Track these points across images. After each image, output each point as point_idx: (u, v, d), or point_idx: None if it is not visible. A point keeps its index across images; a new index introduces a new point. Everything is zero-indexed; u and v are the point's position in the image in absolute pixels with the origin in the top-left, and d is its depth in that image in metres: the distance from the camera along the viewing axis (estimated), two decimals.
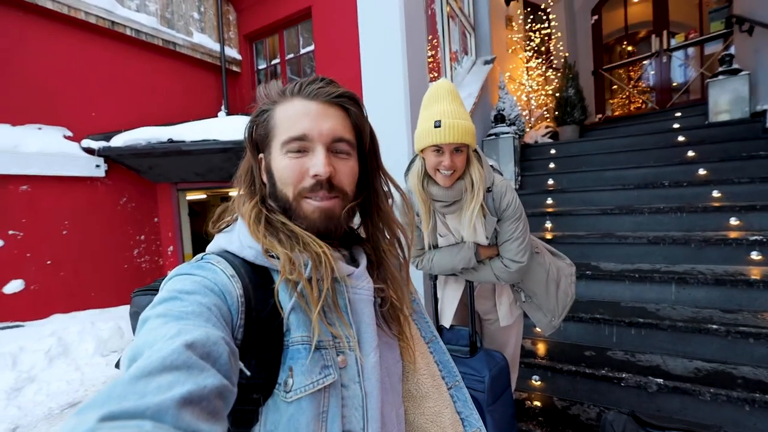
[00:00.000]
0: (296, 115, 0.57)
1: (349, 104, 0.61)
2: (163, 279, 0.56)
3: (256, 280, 0.54)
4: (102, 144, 4.32)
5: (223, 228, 0.63)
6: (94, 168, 4.38)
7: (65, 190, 4.23)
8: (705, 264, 2.46)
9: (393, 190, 0.69)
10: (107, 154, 4.36)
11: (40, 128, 4.11)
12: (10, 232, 3.86)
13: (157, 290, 0.51)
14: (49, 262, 4.10)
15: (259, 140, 0.62)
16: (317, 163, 0.56)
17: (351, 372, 0.56)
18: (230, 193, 0.67)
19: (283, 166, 0.58)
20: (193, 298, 0.47)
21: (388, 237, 0.67)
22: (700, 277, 2.25)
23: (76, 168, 4.25)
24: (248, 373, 0.49)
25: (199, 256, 0.57)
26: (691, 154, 3.48)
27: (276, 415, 0.50)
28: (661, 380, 1.82)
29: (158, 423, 0.31)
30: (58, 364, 3.53)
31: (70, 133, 4.30)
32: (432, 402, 0.69)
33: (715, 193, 2.90)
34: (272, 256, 0.55)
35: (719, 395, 1.69)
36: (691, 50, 5.89)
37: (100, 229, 4.50)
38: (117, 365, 0.60)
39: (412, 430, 0.69)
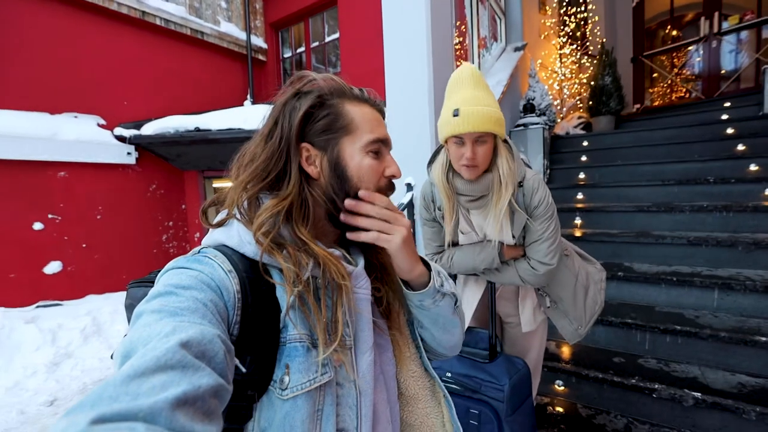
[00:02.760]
0: (375, 120, 0.62)
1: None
2: (158, 271, 0.55)
3: (254, 275, 0.53)
4: (133, 132, 4.46)
5: (222, 223, 0.59)
6: (125, 155, 4.54)
7: (99, 177, 4.41)
8: (753, 269, 2.26)
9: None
10: (138, 142, 4.50)
11: (76, 117, 4.28)
12: (50, 216, 4.07)
13: (153, 282, 0.50)
14: (84, 245, 4.31)
15: (314, 130, 0.59)
16: (393, 166, 0.63)
17: (346, 371, 0.56)
18: None
19: (367, 164, 0.60)
20: (189, 293, 0.46)
21: None
22: (748, 284, 2.06)
23: (109, 155, 4.41)
24: (244, 370, 0.49)
25: (195, 249, 0.56)
26: (741, 147, 3.20)
27: (270, 412, 0.50)
28: (699, 394, 1.69)
29: (151, 425, 0.30)
30: (93, 342, 3.72)
31: (103, 122, 4.46)
32: (422, 404, 0.70)
33: None
34: (274, 257, 0.54)
35: (766, 416, 1.55)
36: (744, 34, 5.40)
37: (131, 215, 4.68)
38: (113, 356, 0.59)
39: (404, 428, 0.70)
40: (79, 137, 4.19)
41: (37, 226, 4.00)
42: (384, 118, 0.66)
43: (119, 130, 4.46)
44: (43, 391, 3.09)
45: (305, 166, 0.59)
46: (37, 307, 3.95)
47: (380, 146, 0.62)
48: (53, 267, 4.11)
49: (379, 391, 0.61)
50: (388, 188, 0.63)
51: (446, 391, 0.74)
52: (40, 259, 4.05)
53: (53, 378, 3.25)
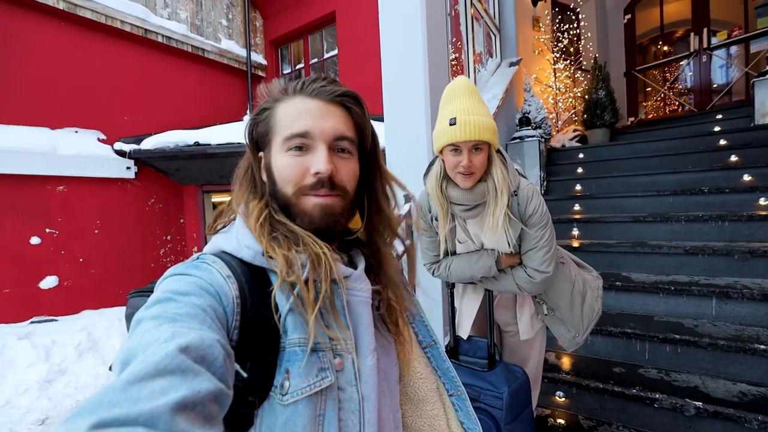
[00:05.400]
0: (298, 113, 0.57)
1: (351, 103, 0.60)
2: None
3: (253, 280, 0.53)
4: (133, 147, 4.50)
5: (220, 229, 0.62)
6: (125, 170, 4.57)
7: (98, 191, 4.42)
8: (750, 278, 2.26)
9: (398, 191, 0.68)
10: (137, 157, 4.53)
11: (76, 132, 4.32)
12: (47, 230, 4.06)
13: (153, 291, 0.50)
14: (81, 260, 4.29)
15: (259, 138, 0.62)
16: (318, 161, 0.56)
17: (348, 375, 0.55)
18: None
19: (284, 164, 0.57)
20: (187, 299, 0.45)
21: (387, 239, 0.66)
22: (745, 292, 2.06)
23: (109, 170, 4.44)
24: (244, 374, 0.48)
25: (194, 255, 0.56)
26: (734, 158, 3.24)
27: (271, 418, 0.49)
28: (700, 403, 1.67)
29: (151, 430, 0.30)
30: (87, 358, 3.66)
31: (103, 137, 4.50)
32: (430, 406, 0.69)
33: (762, 201, 2.68)
34: (271, 257, 0.54)
35: None
36: (734, 49, 5.53)
37: (129, 229, 4.68)
38: (111, 368, 0.59)
39: None
40: (79, 152, 4.22)
41: (34, 240, 3.99)
42: (337, 106, 0.59)
43: (119, 145, 4.50)
44: (35, 409, 3.02)
45: (261, 173, 0.62)
46: (31, 322, 3.90)
47: (302, 141, 0.56)
48: (49, 282, 4.08)
49: (382, 395, 0.60)
50: (316, 186, 0.56)
51: (460, 387, 0.73)
52: (36, 274, 4.02)
53: (46, 396, 3.18)
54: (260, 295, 0.52)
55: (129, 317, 0.68)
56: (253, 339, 0.50)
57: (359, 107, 0.61)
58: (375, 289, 0.62)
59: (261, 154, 0.62)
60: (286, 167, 0.57)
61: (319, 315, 0.53)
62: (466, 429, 0.72)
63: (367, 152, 0.65)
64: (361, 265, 0.62)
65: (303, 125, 0.56)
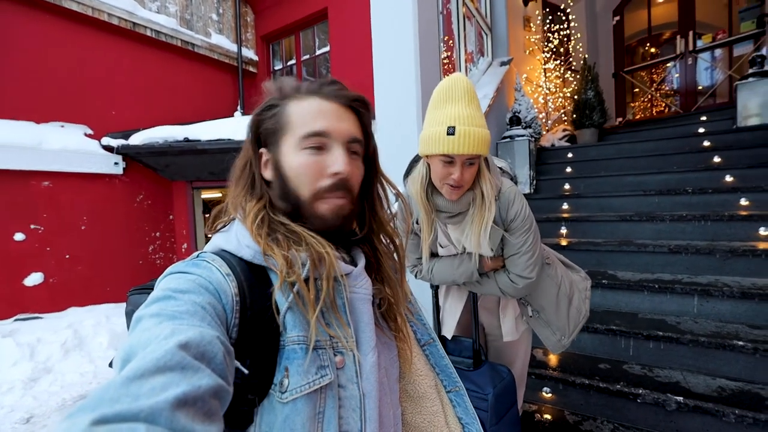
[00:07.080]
0: (316, 112, 0.58)
1: (362, 108, 0.63)
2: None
3: (253, 279, 0.54)
4: (121, 142, 4.42)
5: (220, 228, 0.62)
6: (112, 165, 4.49)
7: (85, 187, 4.34)
8: (731, 276, 2.33)
9: (391, 194, 0.70)
10: (125, 152, 4.45)
11: (62, 126, 4.23)
12: (32, 226, 3.98)
13: (153, 289, 0.51)
14: (67, 257, 4.21)
15: (264, 135, 0.62)
16: (338, 161, 0.57)
17: (349, 372, 0.55)
18: None
19: (299, 162, 0.57)
20: (187, 297, 0.46)
21: (384, 238, 0.68)
22: (726, 290, 2.13)
23: (96, 165, 4.35)
24: (245, 371, 0.49)
25: (195, 254, 0.57)
26: (717, 159, 3.32)
27: (271, 416, 0.50)
28: (681, 398, 1.73)
29: (152, 425, 0.31)
30: (73, 356, 3.61)
31: (90, 131, 4.41)
32: (429, 403, 0.70)
33: (743, 201, 2.76)
34: (269, 257, 0.54)
35: (745, 417, 1.59)
36: (718, 52, 5.66)
37: (117, 225, 4.60)
38: (111, 364, 0.59)
39: (410, 430, 0.69)
40: (65, 147, 4.14)
41: (19, 236, 3.90)
42: (349, 110, 0.61)
43: (107, 140, 4.42)
44: (19, 407, 2.97)
45: (263, 170, 0.62)
46: (16, 320, 3.82)
47: (320, 140, 0.57)
48: (34, 279, 4.00)
49: (383, 393, 0.60)
50: (333, 188, 0.57)
51: (458, 383, 0.74)
52: (21, 271, 3.93)
53: (30, 394, 3.13)
54: (260, 294, 0.53)
55: (129, 314, 0.68)
56: (253, 337, 0.51)
57: (368, 112, 0.64)
58: (376, 287, 0.63)
59: (262, 150, 0.62)
60: (302, 166, 0.57)
61: (320, 313, 0.53)
62: (464, 425, 0.72)
63: (369, 155, 0.66)
64: (361, 262, 0.63)
65: (322, 125, 0.57)
